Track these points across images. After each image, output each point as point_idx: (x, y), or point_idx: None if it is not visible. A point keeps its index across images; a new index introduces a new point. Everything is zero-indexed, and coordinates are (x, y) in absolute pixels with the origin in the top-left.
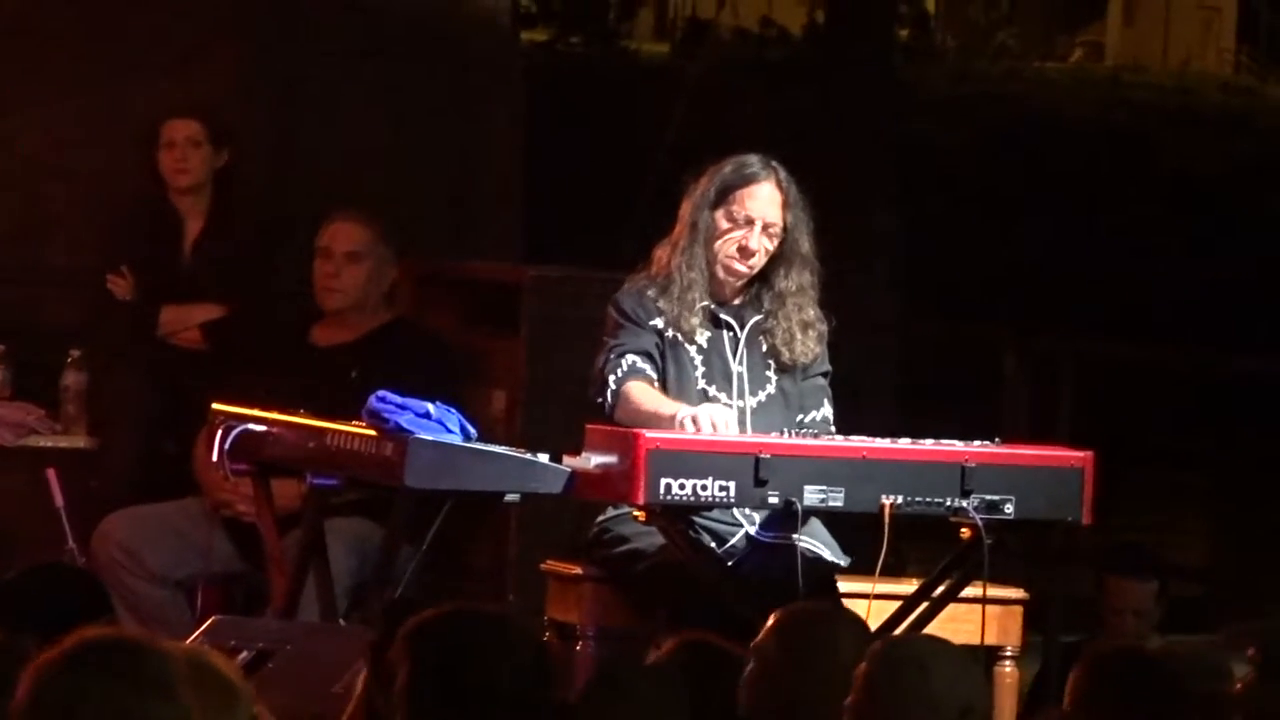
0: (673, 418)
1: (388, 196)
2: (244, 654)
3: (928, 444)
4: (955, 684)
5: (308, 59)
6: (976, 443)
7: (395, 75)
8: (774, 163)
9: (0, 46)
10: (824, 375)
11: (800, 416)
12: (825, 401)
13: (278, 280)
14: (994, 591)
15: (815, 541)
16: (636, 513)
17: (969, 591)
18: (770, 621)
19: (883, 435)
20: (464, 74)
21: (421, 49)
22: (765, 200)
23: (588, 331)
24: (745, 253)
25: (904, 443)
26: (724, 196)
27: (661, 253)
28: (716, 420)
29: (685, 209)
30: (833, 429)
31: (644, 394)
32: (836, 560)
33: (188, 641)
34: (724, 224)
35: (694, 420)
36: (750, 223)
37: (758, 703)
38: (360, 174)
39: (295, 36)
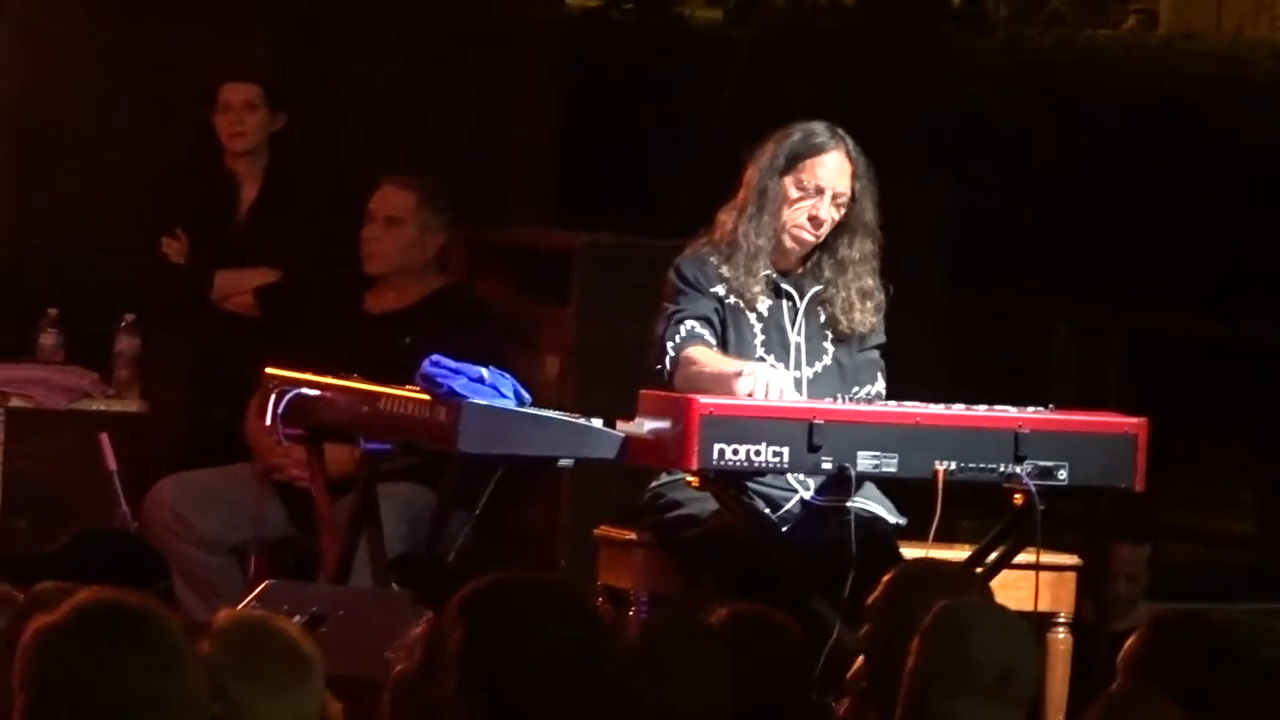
0: (738, 374)
1: (426, 163)
2: (296, 619)
3: (981, 410)
4: (996, 649)
5: (348, 25)
6: (1030, 409)
7: (438, 42)
8: (841, 131)
9: (53, 22)
10: (878, 349)
11: (854, 390)
12: (878, 376)
13: (330, 246)
14: (1047, 558)
15: (871, 502)
16: (689, 478)
17: (1022, 558)
18: (884, 581)
19: (935, 403)
20: (504, 39)
21: (463, 14)
22: (835, 170)
23: (637, 298)
24: (815, 222)
25: (958, 409)
26: (793, 164)
27: (725, 218)
28: (773, 388)
29: (751, 175)
30: (885, 403)
31: (705, 356)
32: (895, 520)
33: (239, 606)
34: (793, 192)
35: (754, 380)
36: (820, 192)
37: (871, 665)
38: (399, 139)
39: (339, 5)
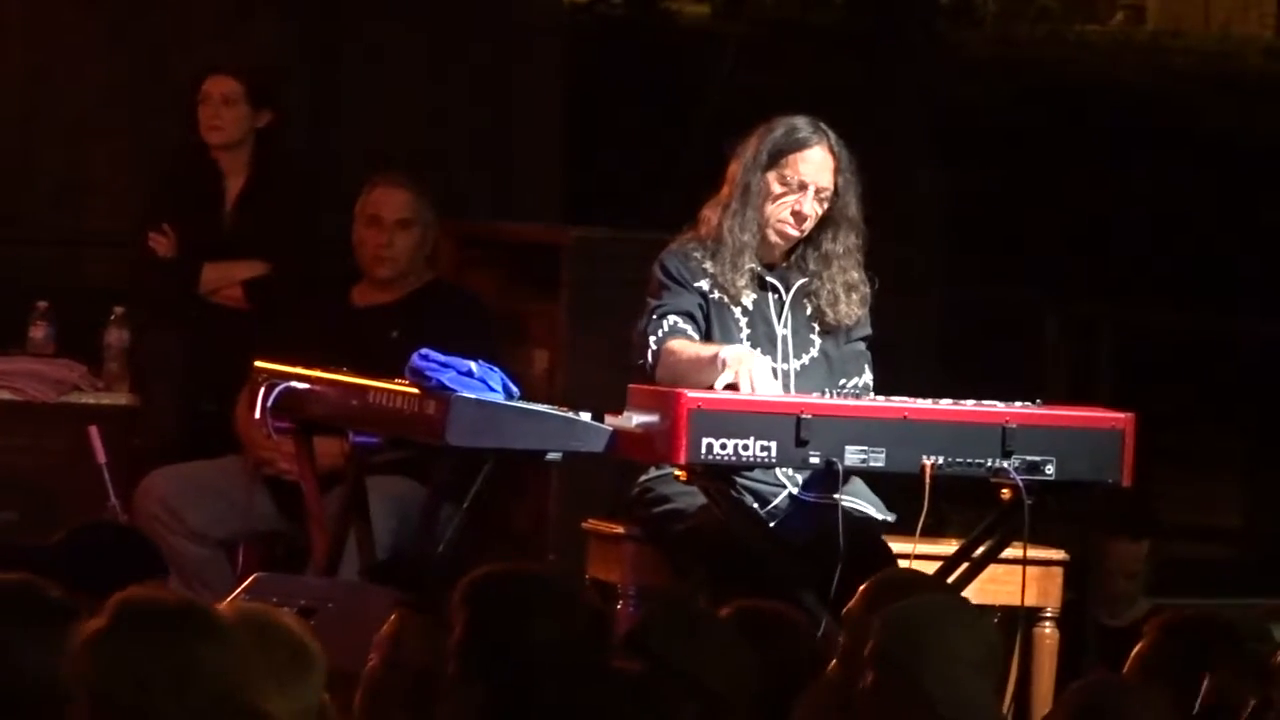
0: (714, 357)
1: (429, 158)
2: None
3: (969, 405)
4: (962, 641)
5: (350, 20)
6: (1017, 404)
7: (437, 37)
8: (823, 126)
9: (44, 7)
10: (865, 340)
11: (842, 382)
12: (865, 367)
13: (319, 239)
14: (1034, 553)
15: (859, 500)
16: (678, 472)
17: (1009, 553)
18: (860, 591)
19: (924, 398)
20: (505, 36)
21: (463, 10)
22: (818, 165)
23: (629, 292)
24: (798, 217)
25: (945, 404)
26: (776, 159)
27: (710, 213)
28: (755, 372)
29: (734, 170)
30: (872, 395)
31: (683, 346)
32: (883, 517)
33: (229, 599)
34: (777, 188)
35: (731, 363)
36: (803, 187)
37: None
38: (401, 135)
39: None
